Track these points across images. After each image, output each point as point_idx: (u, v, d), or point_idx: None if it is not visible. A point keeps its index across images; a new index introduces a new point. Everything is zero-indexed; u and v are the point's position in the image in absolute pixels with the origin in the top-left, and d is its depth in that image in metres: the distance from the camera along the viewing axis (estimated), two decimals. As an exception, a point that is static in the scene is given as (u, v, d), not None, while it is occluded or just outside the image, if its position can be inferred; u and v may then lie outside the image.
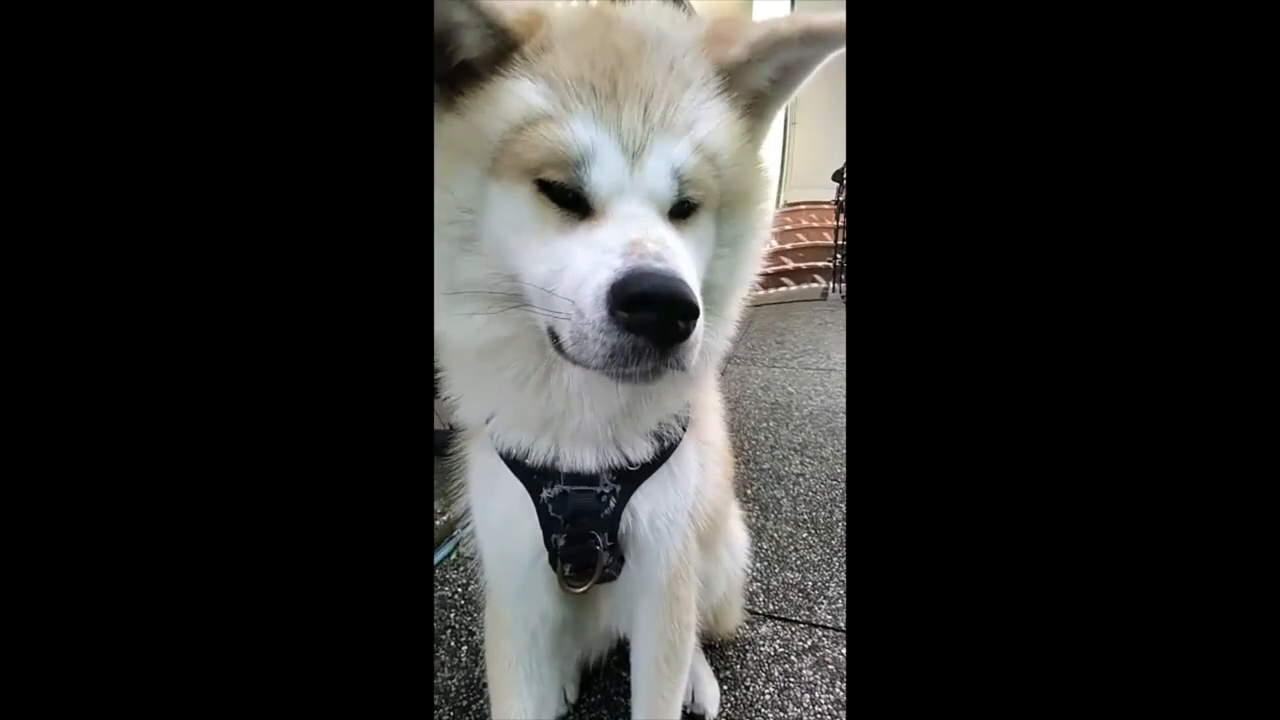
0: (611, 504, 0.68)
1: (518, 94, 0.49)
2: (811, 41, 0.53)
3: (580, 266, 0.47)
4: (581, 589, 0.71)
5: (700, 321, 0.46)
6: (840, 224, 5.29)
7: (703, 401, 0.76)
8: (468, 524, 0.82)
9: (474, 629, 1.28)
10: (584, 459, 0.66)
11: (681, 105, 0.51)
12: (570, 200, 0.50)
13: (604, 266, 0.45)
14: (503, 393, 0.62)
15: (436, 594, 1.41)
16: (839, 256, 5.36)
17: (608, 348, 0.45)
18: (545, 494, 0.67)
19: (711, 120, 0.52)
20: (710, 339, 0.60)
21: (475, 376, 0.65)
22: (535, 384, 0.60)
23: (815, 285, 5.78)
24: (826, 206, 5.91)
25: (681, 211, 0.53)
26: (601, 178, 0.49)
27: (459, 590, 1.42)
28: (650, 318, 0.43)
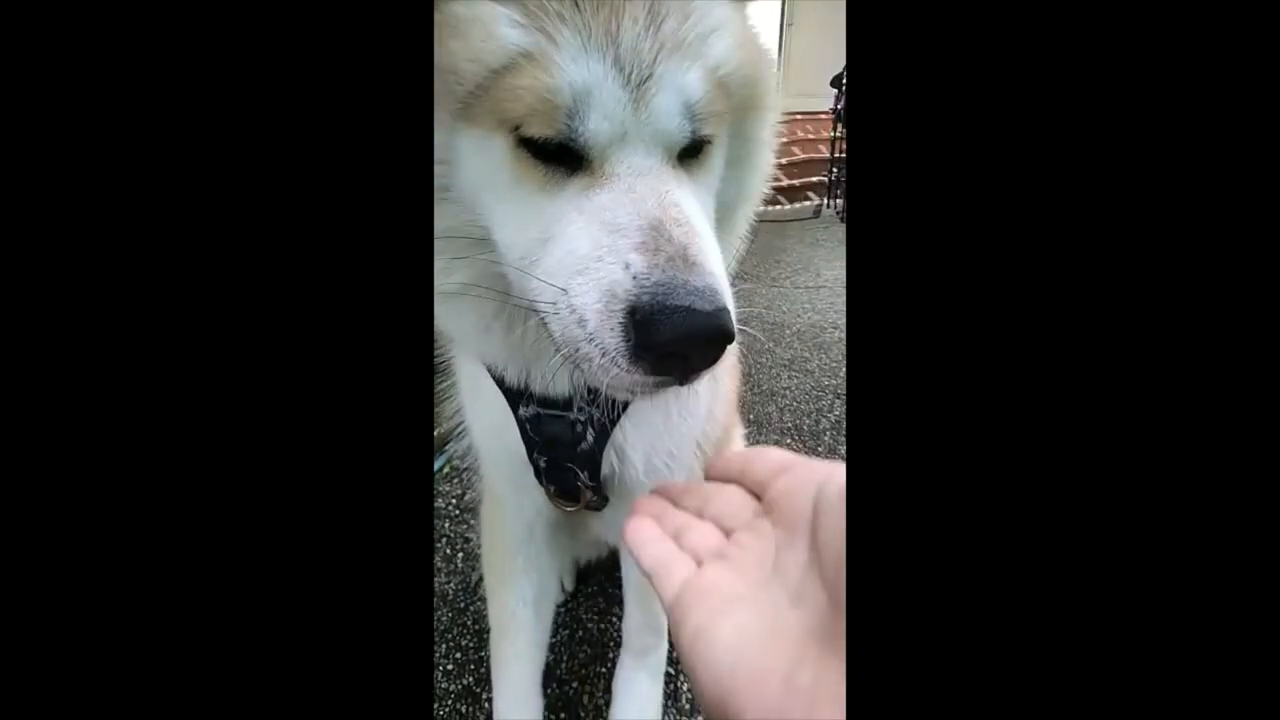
0: (589, 436, 0.60)
1: (487, 27, 0.39)
2: None
3: (576, 245, 0.38)
4: (570, 509, 0.69)
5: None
6: (838, 134, 5.06)
7: None
8: (460, 429, 0.81)
9: (469, 535, 1.32)
10: (557, 382, 0.58)
11: (692, 9, 0.41)
12: (554, 151, 0.41)
13: (613, 259, 0.36)
14: (469, 336, 0.57)
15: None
16: (835, 170, 5.17)
17: (622, 383, 0.37)
18: (522, 411, 0.63)
19: (727, 28, 0.43)
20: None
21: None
22: (501, 329, 0.54)
23: (809, 203, 5.63)
24: (824, 116, 5.60)
25: (692, 150, 0.44)
26: (599, 124, 0.39)
27: (454, 501, 1.46)
28: (677, 369, 0.36)
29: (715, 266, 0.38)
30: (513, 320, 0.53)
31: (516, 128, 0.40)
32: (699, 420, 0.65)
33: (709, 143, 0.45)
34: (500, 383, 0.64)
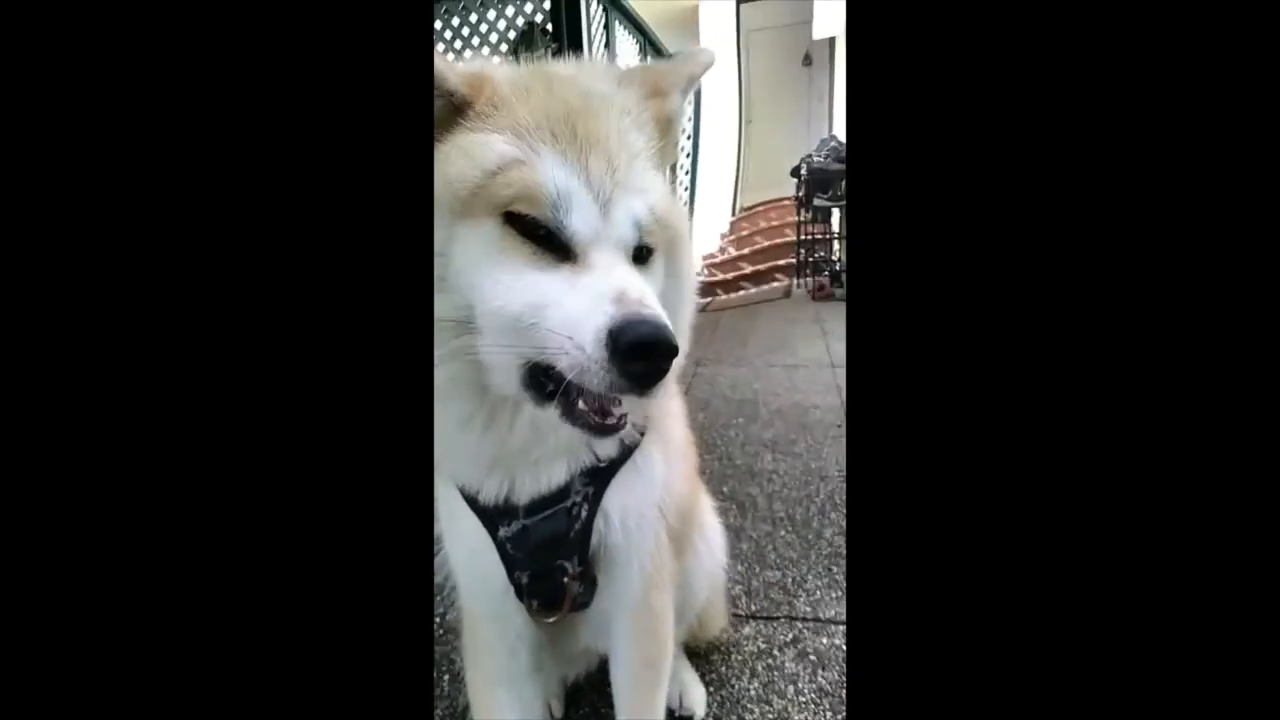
0: (584, 513, 0.69)
1: (488, 144, 0.55)
2: (695, 71, 0.69)
3: (574, 307, 0.53)
4: (552, 619, 0.72)
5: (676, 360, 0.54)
6: (803, 218, 5.41)
7: (662, 405, 0.78)
8: (439, 548, 0.81)
9: (454, 657, 1.25)
10: (553, 475, 0.67)
11: (634, 170, 0.60)
12: (542, 237, 0.55)
13: (599, 312, 0.52)
14: (450, 436, 0.62)
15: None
16: (802, 251, 5.47)
17: (607, 383, 0.52)
18: (503, 532, 0.68)
19: (656, 186, 0.63)
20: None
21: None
22: (480, 427, 0.62)
23: (777, 284, 5.88)
24: (787, 203, 6.04)
25: (641, 257, 0.60)
26: (580, 225, 0.55)
27: (437, 619, 1.39)
28: (642, 368, 0.51)
29: (660, 310, 0.54)
30: (493, 414, 0.61)
31: (505, 209, 0.54)
32: (658, 488, 0.76)
33: (652, 251, 0.62)
34: (474, 504, 0.67)
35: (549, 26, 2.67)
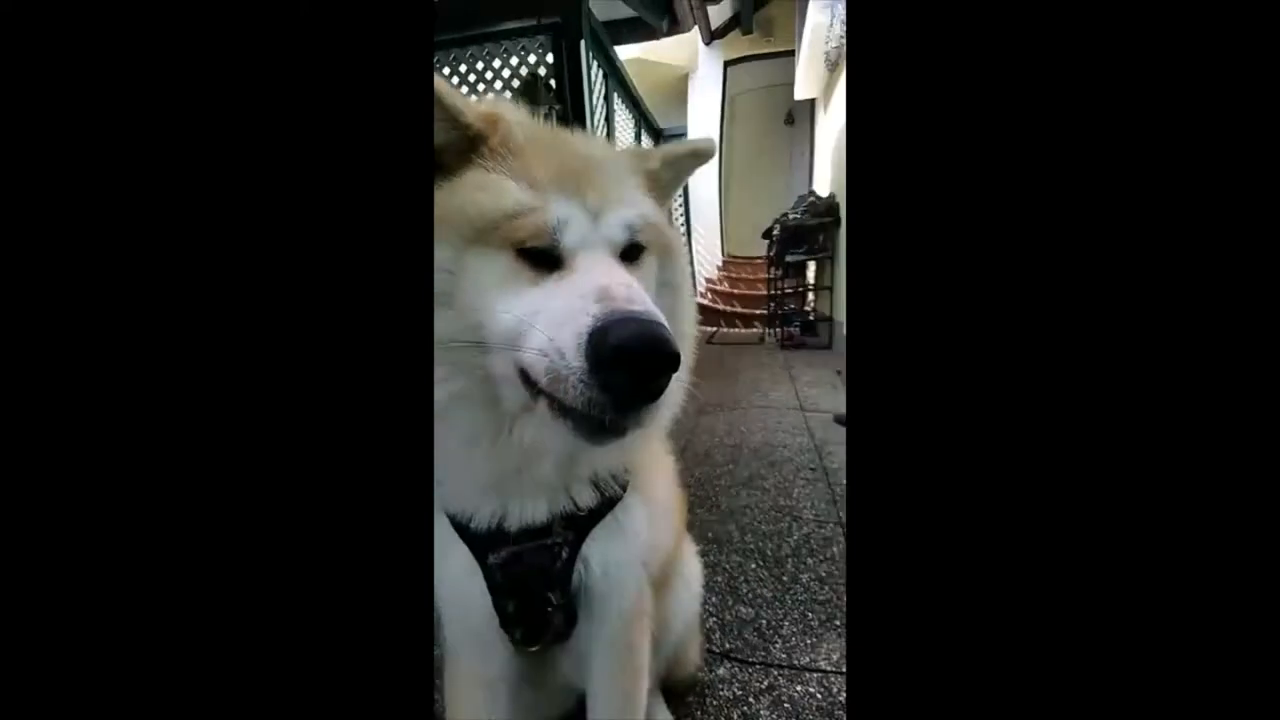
0: (564, 554, 0.70)
1: (505, 189, 0.60)
2: (694, 156, 0.78)
3: (556, 310, 0.53)
4: (534, 649, 0.73)
5: (676, 376, 0.49)
6: (772, 275, 5.69)
7: (646, 462, 0.79)
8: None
9: (436, 695, 1.22)
10: (537, 510, 0.68)
11: (625, 194, 0.66)
12: (543, 258, 0.59)
13: (581, 313, 0.49)
14: (454, 454, 0.64)
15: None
16: (772, 305, 5.73)
17: (586, 399, 0.48)
18: (493, 559, 0.69)
19: (646, 202, 0.69)
20: (666, 412, 0.67)
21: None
22: (487, 442, 0.63)
23: (755, 330, 6.14)
24: (759, 261, 6.36)
25: (632, 255, 0.64)
26: (571, 237, 0.59)
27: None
28: (626, 379, 0.46)
29: (653, 307, 0.51)
30: (499, 428, 0.62)
31: (519, 246, 0.58)
32: (641, 544, 0.76)
33: (643, 249, 0.65)
34: (465, 532, 0.69)
35: (552, 81, 2.82)
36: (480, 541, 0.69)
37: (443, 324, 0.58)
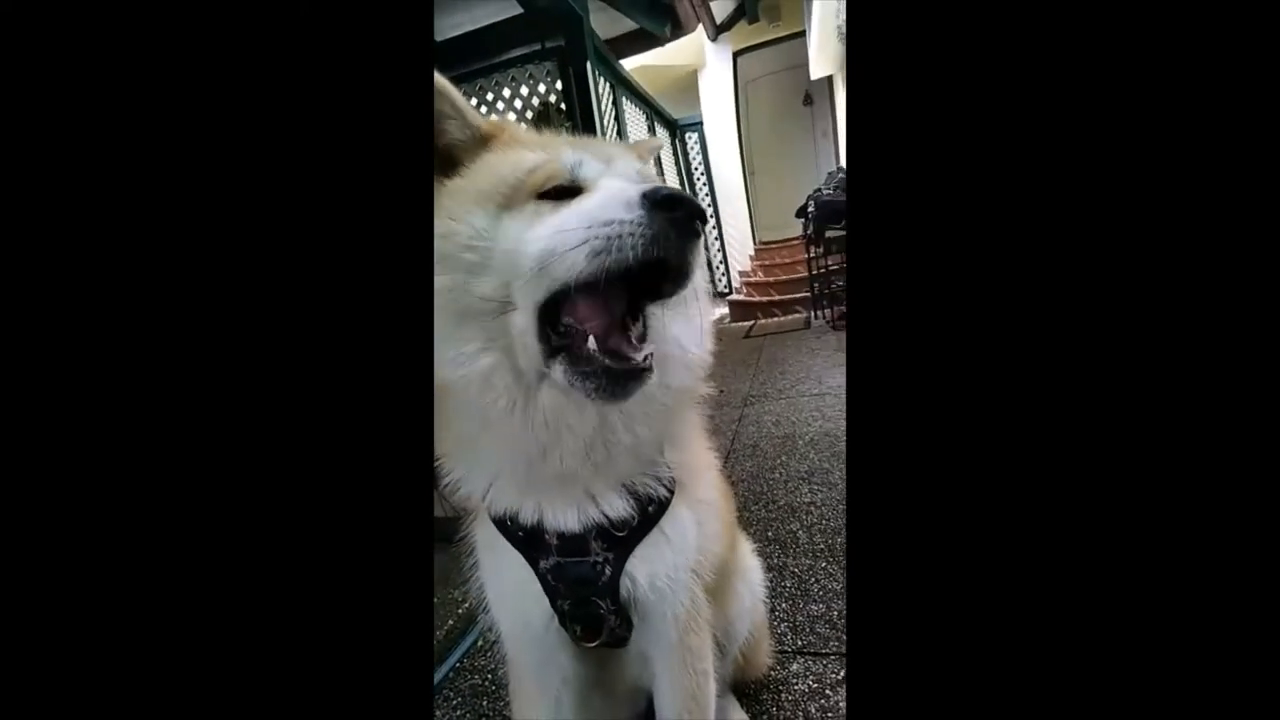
0: (607, 572, 0.71)
1: (525, 156, 0.68)
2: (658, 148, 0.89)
3: (594, 203, 0.59)
4: (595, 644, 0.74)
5: (701, 242, 0.59)
6: (812, 255, 5.49)
7: (690, 463, 0.79)
8: (484, 602, 0.85)
9: (508, 714, 1.26)
10: (567, 518, 0.69)
11: (627, 154, 0.74)
12: (565, 194, 0.64)
13: (626, 190, 0.58)
14: (497, 433, 0.65)
15: (468, 683, 1.40)
16: (815, 286, 5.54)
17: (648, 237, 0.55)
18: (543, 565, 0.72)
19: (646, 166, 0.77)
20: (686, 378, 0.69)
21: (478, 425, 0.66)
22: (519, 414, 0.63)
23: (798, 315, 5.95)
24: (796, 242, 6.20)
25: None
26: (589, 171, 0.66)
27: (489, 676, 1.41)
28: (683, 213, 0.55)
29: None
30: (528, 400, 0.62)
31: (539, 192, 0.64)
32: (691, 552, 0.77)
33: None
34: (516, 537, 0.72)
35: (563, 106, 2.90)
36: (527, 544, 0.71)
37: (484, 286, 0.61)
